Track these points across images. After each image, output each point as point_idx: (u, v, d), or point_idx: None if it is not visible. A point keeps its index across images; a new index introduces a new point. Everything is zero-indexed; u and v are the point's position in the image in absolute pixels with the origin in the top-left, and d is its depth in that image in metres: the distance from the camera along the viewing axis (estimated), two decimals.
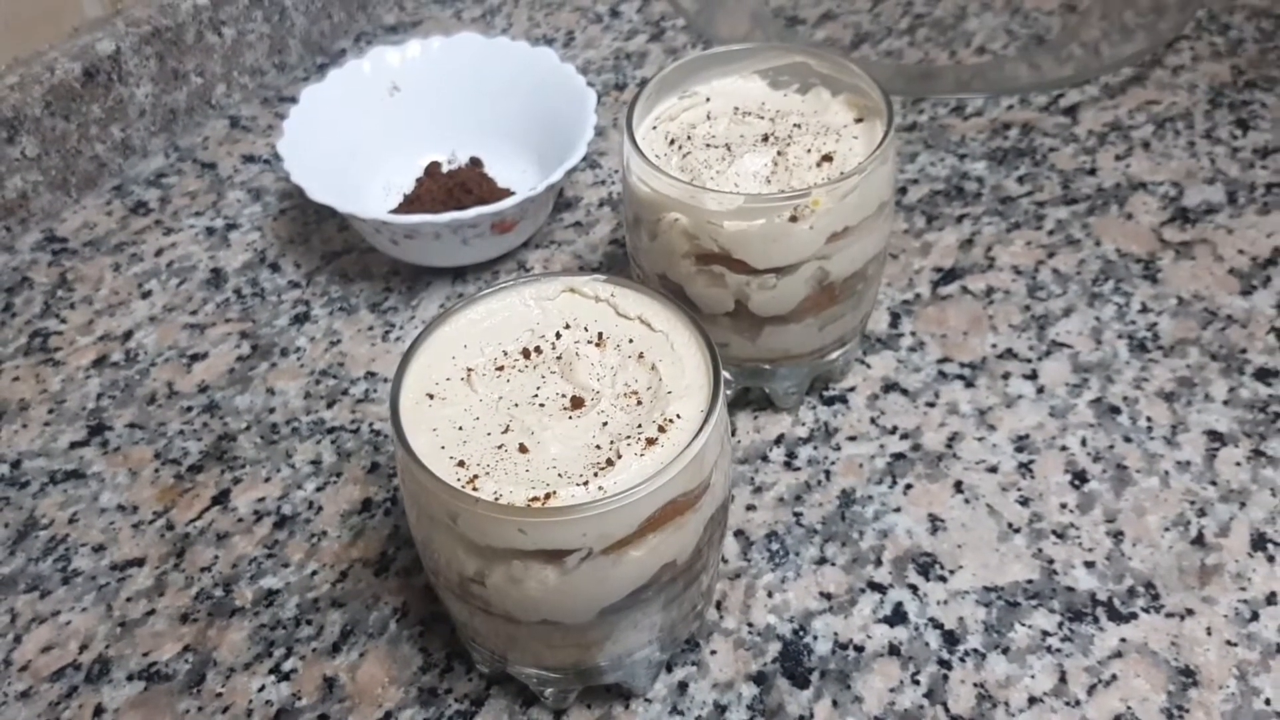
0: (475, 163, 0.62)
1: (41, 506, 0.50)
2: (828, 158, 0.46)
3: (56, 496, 0.50)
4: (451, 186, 0.60)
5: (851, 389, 0.52)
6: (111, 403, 0.54)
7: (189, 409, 0.53)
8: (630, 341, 0.39)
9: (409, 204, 0.60)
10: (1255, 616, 0.43)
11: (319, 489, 0.49)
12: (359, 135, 0.61)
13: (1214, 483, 0.47)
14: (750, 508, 0.48)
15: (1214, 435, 0.48)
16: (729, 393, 0.50)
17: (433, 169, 0.62)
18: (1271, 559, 0.44)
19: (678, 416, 0.36)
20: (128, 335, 0.57)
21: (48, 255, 0.61)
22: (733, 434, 0.50)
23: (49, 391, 0.54)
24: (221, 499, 0.49)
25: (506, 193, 0.60)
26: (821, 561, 0.45)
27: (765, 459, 0.49)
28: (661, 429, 0.36)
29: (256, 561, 0.47)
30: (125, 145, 0.65)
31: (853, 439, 0.50)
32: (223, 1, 0.67)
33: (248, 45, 0.69)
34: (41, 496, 0.50)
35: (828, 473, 0.49)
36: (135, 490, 0.50)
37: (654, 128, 0.48)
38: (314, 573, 0.46)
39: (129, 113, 0.64)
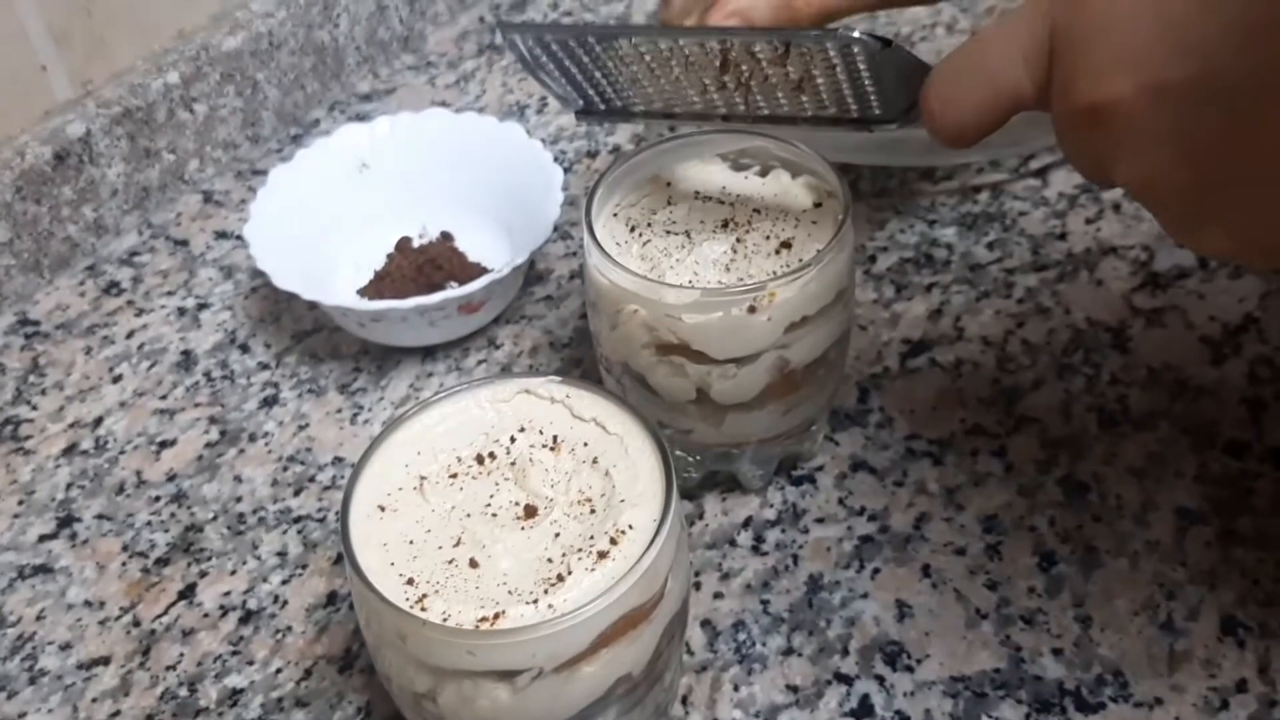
0: (446, 237, 0.62)
1: (9, 603, 0.50)
2: (786, 244, 0.46)
3: (25, 592, 0.50)
4: (422, 263, 0.60)
5: (820, 468, 0.51)
6: (81, 493, 0.54)
7: (157, 498, 0.53)
8: (585, 445, 0.39)
9: (379, 280, 0.60)
10: (1225, 705, 0.42)
11: (284, 582, 0.49)
12: (328, 213, 0.61)
13: (1184, 564, 0.46)
14: (717, 595, 0.47)
15: (1184, 513, 0.48)
16: (697, 475, 0.50)
17: (403, 244, 0.62)
18: (1241, 644, 0.44)
19: (630, 527, 0.36)
20: (98, 422, 0.57)
21: (20, 339, 0.61)
22: (700, 517, 0.50)
23: (19, 482, 0.54)
24: (188, 593, 0.49)
25: (477, 267, 0.60)
26: (788, 652, 0.45)
27: (733, 543, 0.49)
28: (614, 540, 0.36)
29: (221, 659, 0.47)
30: (98, 225, 0.65)
31: (820, 521, 0.49)
32: (194, 78, 0.67)
33: (220, 120, 0.69)
34: (10, 592, 0.50)
35: (795, 557, 0.48)
36: (102, 585, 0.50)
37: (615, 214, 0.48)
38: (278, 670, 0.46)
39: (101, 193, 0.65)
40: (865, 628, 0.46)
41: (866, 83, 0.40)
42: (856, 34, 0.37)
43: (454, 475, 0.39)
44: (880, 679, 0.44)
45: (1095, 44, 0.33)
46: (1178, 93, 0.32)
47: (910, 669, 0.44)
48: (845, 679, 0.44)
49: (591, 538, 0.36)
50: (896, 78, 0.39)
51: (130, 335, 0.61)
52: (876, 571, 0.47)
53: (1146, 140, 0.33)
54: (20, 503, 0.53)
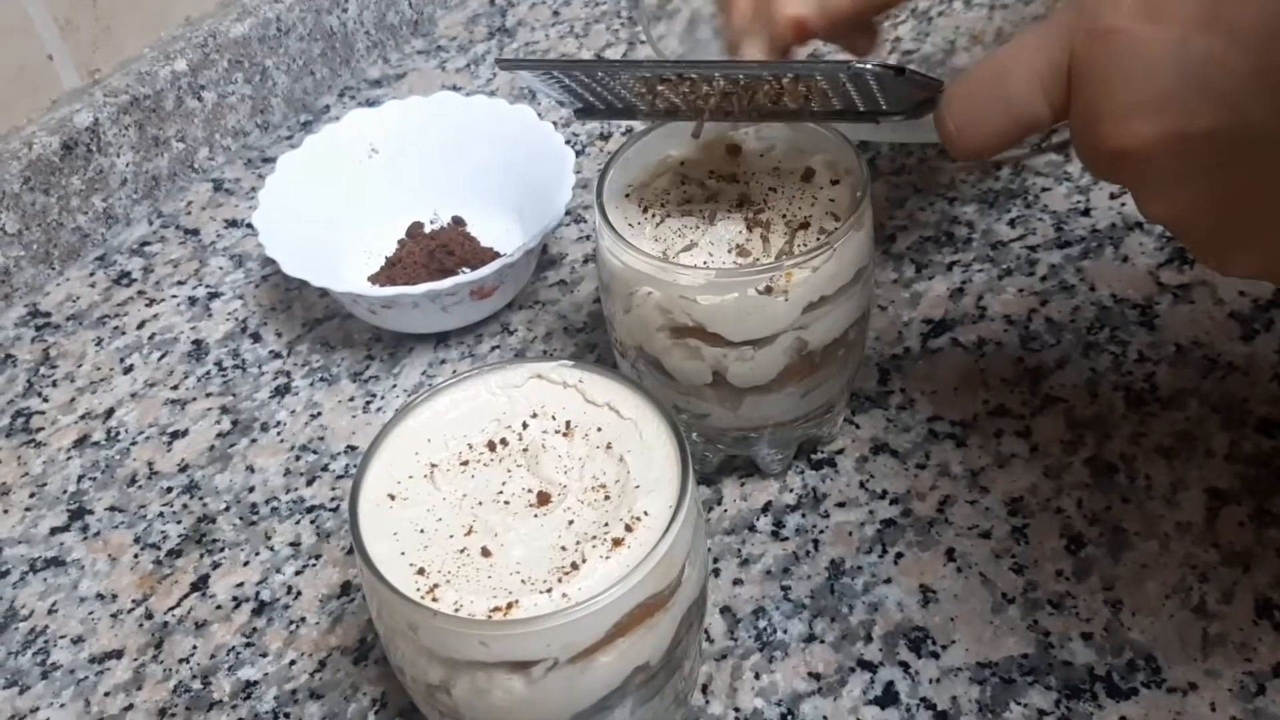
0: (458, 222, 0.62)
1: (21, 597, 0.49)
2: (803, 224, 0.45)
3: (36, 586, 0.50)
4: (433, 248, 0.59)
5: (840, 451, 0.50)
6: (92, 485, 0.53)
7: (169, 489, 0.52)
8: (598, 430, 0.38)
9: (390, 267, 0.59)
10: (1261, 690, 0.41)
11: (298, 572, 0.49)
12: (338, 200, 0.60)
13: (1216, 545, 0.45)
14: (737, 581, 0.46)
15: (1215, 493, 0.47)
16: (714, 460, 0.49)
17: (414, 230, 0.61)
18: (1277, 627, 0.42)
19: (645, 514, 0.35)
20: (109, 413, 0.56)
21: (31, 331, 0.61)
22: (718, 502, 0.49)
23: (30, 475, 0.54)
24: (200, 584, 0.49)
25: (489, 252, 0.59)
26: (810, 639, 0.44)
27: (752, 529, 0.48)
28: (629, 528, 0.35)
29: (235, 651, 0.46)
30: (108, 215, 0.65)
31: (841, 505, 0.48)
32: (202, 66, 0.66)
33: (229, 107, 0.69)
34: (22, 586, 0.50)
35: (816, 542, 0.47)
36: (114, 577, 0.49)
37: (627, 195, 0.47)
38: (292, 662, 0.46)
39: (110, 182, 0.64)
40: (889, 613, 0.45)
41: (875, 92, 0.40)
42: (870, 65, 0.37)
43: (465, 462, 0.38)
44: (905, 666, 0.43)
45: (1118, 83, 0.32)
46: (1203, 140, 0.31)
47: (935, 655, 0.43)
48: (869, 666, 0.43)
49: (606, 525, 0.35)
50: (906, 88, 0.38)
51: (141, 325, 0.61)
52: (899, 556, 0.46)
53: (1172, 182, 0.32)
54: (31, 495, 0.53)
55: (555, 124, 0.60)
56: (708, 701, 0.43)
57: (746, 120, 0.44)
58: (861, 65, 0.37)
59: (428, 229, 0.61)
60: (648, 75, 0.41)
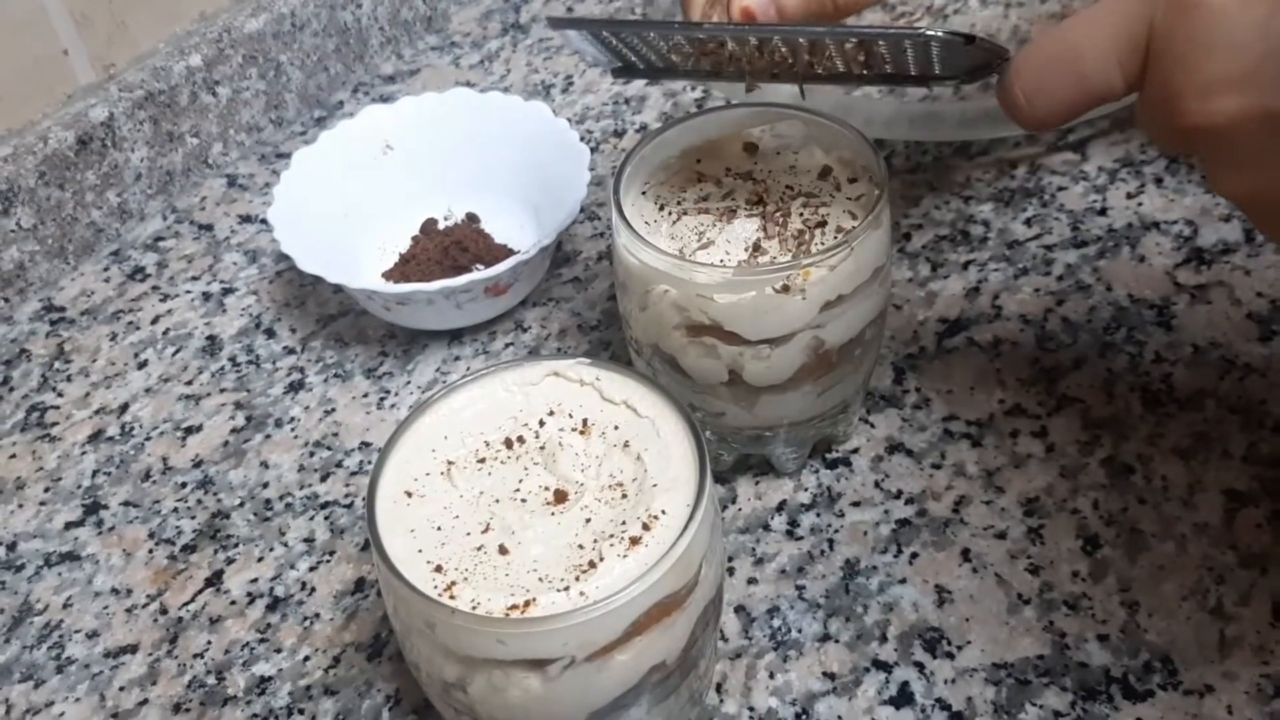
0: (472, 218, 0.62)
1: (37, 591, 0.49)
2: (821, 223, 0.45)
3: (51, 580, 0.50)
4: (448, 245, 0.59)
5: (855, 450, 0.50)
6: (107, 480, 0.53)
7: (183, 485, 0.53)
8: (615, 429, 0.38)
9: (405, 263, 0.59)
10: (1279, 693, 0.41)
11: (312, 569, 0.49)
12: (352, 196, 0.60)
13: (1233, 547, 0.45)
14: (751, 581, 0.46)
15: (1233, 495, 0.47)
16: (729, 458, 0.49)
17: (428, 226, 0.61)
18: None
19: (663, 512, 0.35)
20: (124, 408, 0.56)
21: (46, 325, 0.61)
22: (733, 501, 0.49)
23: (45, 469, 0.54)
24: (215, 580, 0.49)
25: (504, 249, 0.59)
26: (825, 639, 0.44)
27: (767, 528, 0.48)
28: (646, 526, 0.35)
29: (249, 647, 0.46)
30: (122, 210, 0.65)
31: (856, 505, 0.48)
32: (216, 61, 0.66)
33: (243, 103, 0.69)
34: (37, 580, 0.50)
35: (831, 542, 0.47)
36: (129, 572, 0.49)
37: (643, 193, 0.47)
38: (306, 658, 0.46)
39: (125, 177, 0.64)
40: (904, 614, 0.44)
41: (934, 57, 0.39)
42: (940, 34, 0.36)
43: (482, 460, 0.38)
44: (920, 666, 0.43)
45: (1200, 59, 0.32)
46: None
47: (951, 656, 0.43)
48: (884, 666, 0.43)
49: (624, 523, 0.35)
50: (968, 55, 0.38)
51: (155, 321, 0.61)
52: (915, 556, 0.46)
53: (1250, 161, 0.32)
54: (46, 490, 0.53)
55: (570, 120, 0.60)
56: (722, 700, 0.43)
57: (792, 82, 0.44)
58: (932, 33, 0.36)
59: (442, 225, 0.61)
60: (702, 37, 0.41)
